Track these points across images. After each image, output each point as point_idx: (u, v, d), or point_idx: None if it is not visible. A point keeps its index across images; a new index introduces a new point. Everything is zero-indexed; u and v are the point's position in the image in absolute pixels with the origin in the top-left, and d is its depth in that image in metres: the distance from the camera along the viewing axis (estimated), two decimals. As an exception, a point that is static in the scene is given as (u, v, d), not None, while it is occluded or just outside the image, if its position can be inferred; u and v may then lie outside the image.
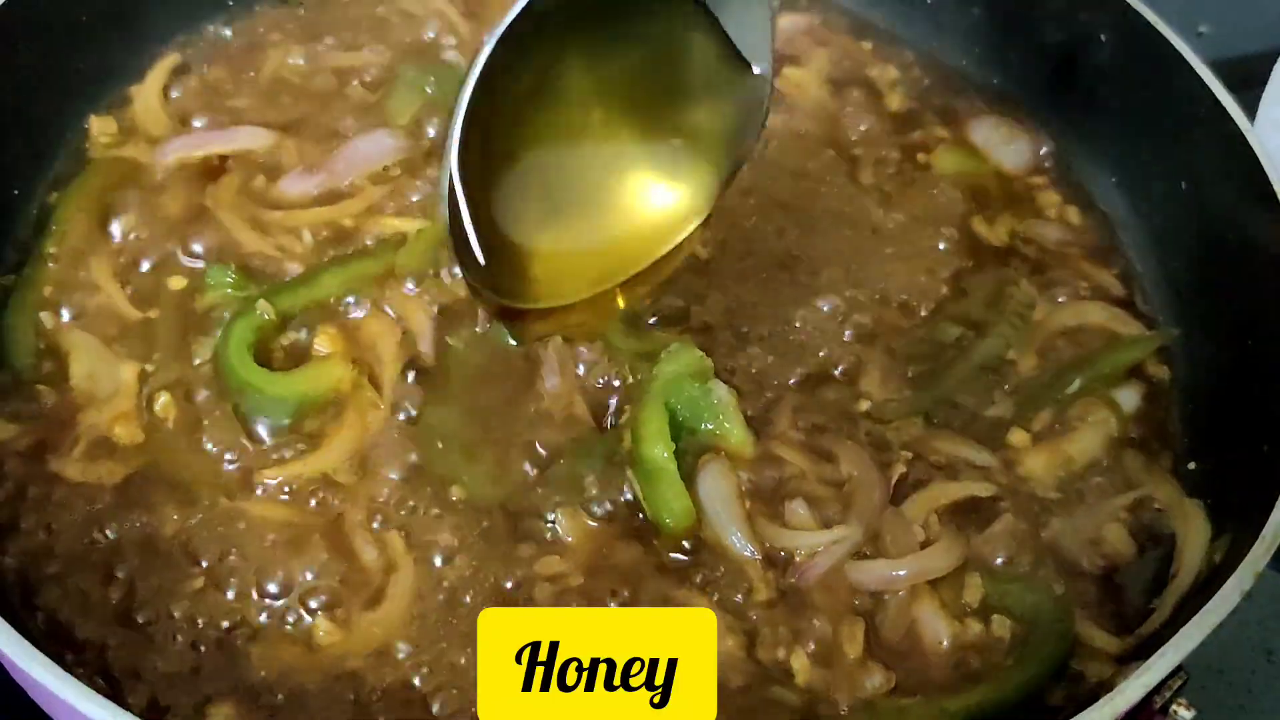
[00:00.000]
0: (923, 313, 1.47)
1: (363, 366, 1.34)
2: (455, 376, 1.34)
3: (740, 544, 1.24)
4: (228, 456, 1.27)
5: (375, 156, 1.53)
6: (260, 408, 1.29)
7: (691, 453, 1.29)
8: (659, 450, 1.25)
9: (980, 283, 1.50)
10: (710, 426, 1.30)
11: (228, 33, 1.71)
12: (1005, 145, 1.68)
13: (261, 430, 1.29)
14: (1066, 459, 1.36)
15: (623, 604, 1.19)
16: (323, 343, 1.35)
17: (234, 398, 1.29)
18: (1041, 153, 1.68)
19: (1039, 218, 1.60)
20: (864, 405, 1.37)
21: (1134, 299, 1.54)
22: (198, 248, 1.43)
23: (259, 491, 1.25)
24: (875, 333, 1.44)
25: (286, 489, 1.25)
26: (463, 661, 1.15)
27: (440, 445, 1.27)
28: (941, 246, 1.53)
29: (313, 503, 1.25)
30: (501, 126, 1.18)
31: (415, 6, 1.76)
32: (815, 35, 1.78)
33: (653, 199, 1.35)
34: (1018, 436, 1.36)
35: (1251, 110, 1.81)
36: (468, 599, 1.19)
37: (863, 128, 1.66)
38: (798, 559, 1.24)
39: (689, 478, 1.26)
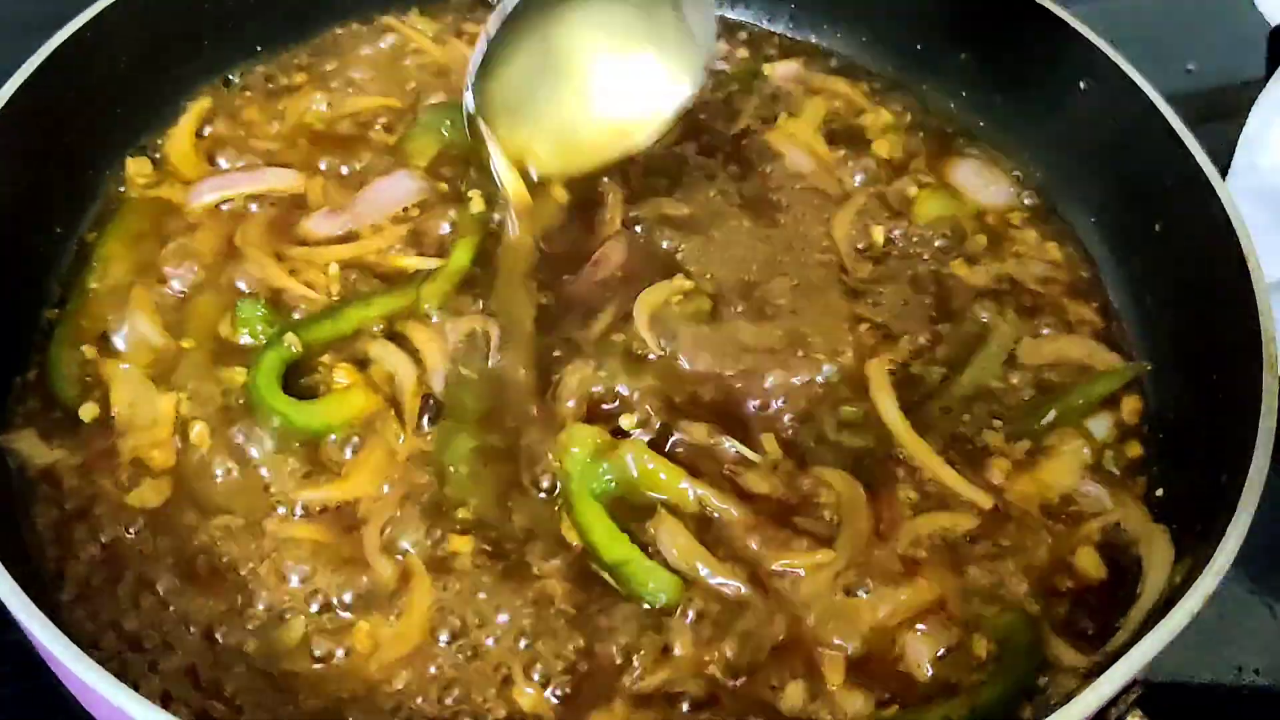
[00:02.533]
0: (905, 356, 1.52)
1: (384, 397, 1.42)
2: (467, 406, 1.42)
3: (720, 583, 1.29)
4: (258, 480, 1.35)
5: (396, 197, 1.62)
6: (288, 435, 1.37)
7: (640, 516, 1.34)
8: (618, 548, 1.29)
9: (962, 324, 1.56)
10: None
11: (258, 78, 1.80)
12: (987, 187, 1.75)
13: (290, 456, 1.37)
14: (1043, 486, 1.42)
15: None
16: (346, 374, 1.42)
17: (263, 425, 1.37)
18: (1023, 193, 1.75)
19: (1019, 257, 1.67)
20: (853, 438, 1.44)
21: (1111, 333, 1.61)
22: (229, 283, 1.52)
23: (292, 513, 1.33)
24: (860, 374, 1.49)
25: (312, 512, 1.34)
26: (475, 672, 1.24)
27: (454, 470, 1.36)
28: (924, 290, 1.60)
29: (335, 523, 1.33)
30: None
31: (437, 52, 1.85)
32: (807, 84, 1.85)
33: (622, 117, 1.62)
34: (998, 464, 1.43)
35: (1233, 146, 1.90)
36: (478, 617, 1.27)
37: (852, 173, 1.73)
38: (783, 585, 1.30)
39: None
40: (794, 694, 1.24)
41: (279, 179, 1.65)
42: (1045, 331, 1.57)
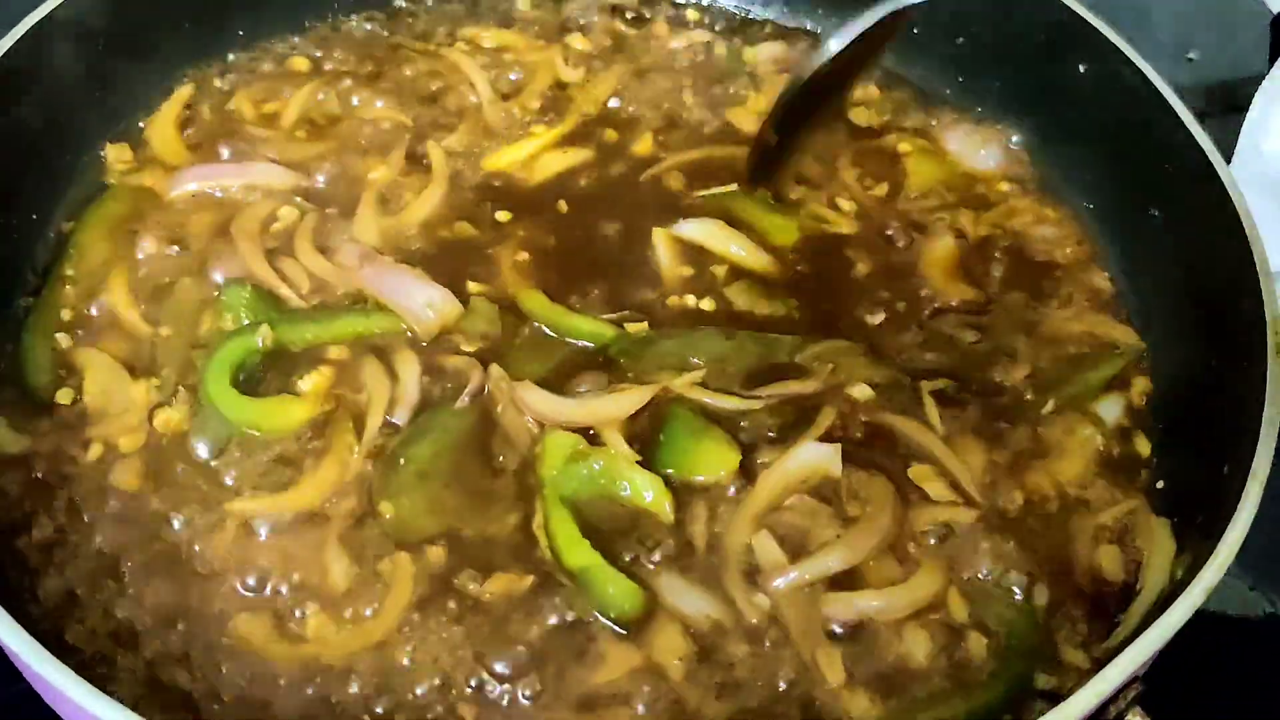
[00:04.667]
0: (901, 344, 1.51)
1: (345, 410, 1.37)
2: (430, 431, 1.36)
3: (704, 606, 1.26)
4: (216, 473, 1.32)
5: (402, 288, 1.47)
6: (218, 428, 1.33)
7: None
8: (578, 554, 1.25)
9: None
10: (627, 493, 1.31)
11: (240, 66, 1.76)
12: (976, 152, 1.74)
13: (249, 452, 1.33)
14: (1043, 477, 1.39)
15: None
16: (313, 379, 1.37)
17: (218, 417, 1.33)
18: (1019, 172, 1.74)
19: (1017, 234, 1.66)
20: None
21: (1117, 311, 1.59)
22: (211, 272, 1.48)
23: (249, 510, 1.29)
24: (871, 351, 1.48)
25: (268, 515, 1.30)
26: (414, 676, 1.20)
27: (405, 502, 1.30)
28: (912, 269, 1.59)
29: (294, 524, 1.29)
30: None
31: (443, 68, 1.79)
32: (786, 64, 1.82)
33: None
34: (998, 454, 1.39)
35: (1234, 134, 1.87)
36: (433, 619, 1.24)
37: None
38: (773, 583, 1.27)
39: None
40: (798, 692, 1.21)
41: (266, 174, 1.60)
42: (1053, 304, 1.57)
